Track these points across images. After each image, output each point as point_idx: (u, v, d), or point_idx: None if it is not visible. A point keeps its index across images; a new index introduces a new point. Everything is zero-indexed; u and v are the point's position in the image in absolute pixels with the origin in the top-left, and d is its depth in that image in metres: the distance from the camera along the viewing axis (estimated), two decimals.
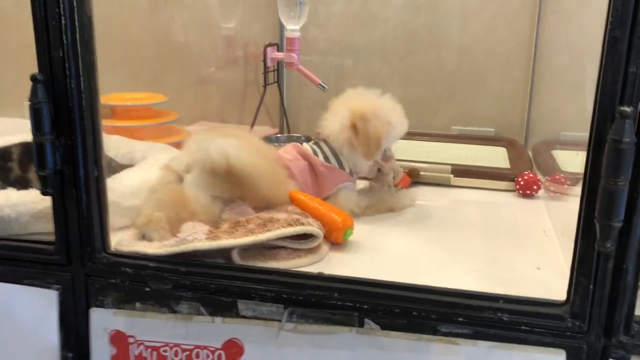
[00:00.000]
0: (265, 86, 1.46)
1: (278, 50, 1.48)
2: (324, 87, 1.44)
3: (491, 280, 0.81)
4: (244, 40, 1.61)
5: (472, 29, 1.56)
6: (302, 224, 0.85)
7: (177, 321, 0.80)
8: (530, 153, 1.44)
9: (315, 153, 1.05)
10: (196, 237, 0.81)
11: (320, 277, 0.77)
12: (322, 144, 1.06)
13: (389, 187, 1.13)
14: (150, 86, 1.55)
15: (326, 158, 1.04)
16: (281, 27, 1.56)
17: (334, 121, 1.05)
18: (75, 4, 0.73)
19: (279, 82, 1.55)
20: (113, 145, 1.22)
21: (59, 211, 0.80)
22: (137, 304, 0.82)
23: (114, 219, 0.91)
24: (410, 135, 1.47)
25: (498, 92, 1.58)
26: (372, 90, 1.08)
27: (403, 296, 0.73)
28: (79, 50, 0.74)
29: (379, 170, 1.11)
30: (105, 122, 1.36)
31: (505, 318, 0.70)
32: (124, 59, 1.63)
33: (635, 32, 0.59)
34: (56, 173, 0.78)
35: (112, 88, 1.46)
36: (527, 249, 0.92)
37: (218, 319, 0.79)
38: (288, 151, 1.06)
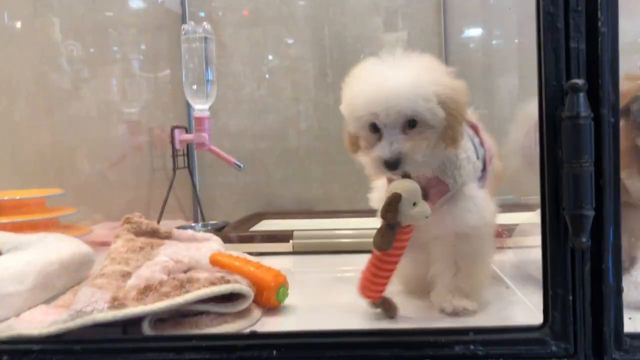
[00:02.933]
0: (174, 170, 1.35)
1: (186, 133, 1.39)
2: (240, 166, 1.36)
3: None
4: (148, 125, 1.51)
5: None
6: (228, 281, 0.72)
7: None
8: None
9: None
10: (96, 307, 0.66)
11: (253, 335, 0.63)
12: None
13: None
14: (46, 184, 1.40)
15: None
16: (189, 110, 1.49)
17: None
18: None
19: (189, 167, 1.45)
20: None
21: None
22: None
23: None
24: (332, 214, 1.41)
25: None
26: None
27: (357, 343, 0.60)
28: None
29: None
30: None
31: (479, 352, 0.59)
32: (14, 160, 1.48)
33: (569, 6, 0.55)
34: None
35: (4, 189, 1.30)
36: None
37: None
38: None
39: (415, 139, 0.67)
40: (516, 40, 1.50)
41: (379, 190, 0.77)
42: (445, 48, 1.56)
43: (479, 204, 0.73)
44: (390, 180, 0.71)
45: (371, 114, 0.66)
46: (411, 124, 0.66)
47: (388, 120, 0.66)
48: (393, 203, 0.65)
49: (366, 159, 0.69)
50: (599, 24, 0.55)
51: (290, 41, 1.58)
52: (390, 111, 0.65)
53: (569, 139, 0.54)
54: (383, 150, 0.66)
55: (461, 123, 0.68)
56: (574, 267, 0.57)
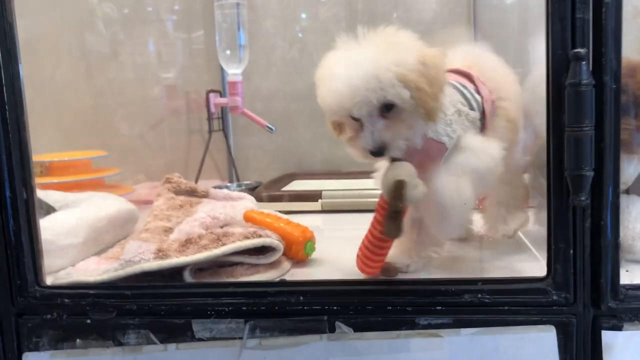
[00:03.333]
0: (210, 132, 1.42)
1: (221, 97, 1.45)
2: (271, 129, 1.42)
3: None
4: (184, 89, 1.58)
5: None
6: (260, 236, 0.79)
7: (125, 355, 0.71)
8: None
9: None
10: (143, 258, 0.74)
11: (282, 283, 0.70)
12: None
13: None
14: (90, 146, 1.48)
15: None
16: (222, 74, 1.54)
17: None
18: None
19: (224, 129, 1.52)
20: (46, 199, 1.13)
21: None
22: (78, 341, 0.72)
23: (50, 260, 0.82)
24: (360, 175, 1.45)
25: None
26: None
27: (374, 290, 0.67)
28: None
29: None
30: (40, 180, 1.27)
31: (487, 300, 0.65)
32: (59, 122, 1.57)
33: None
34: None
35: (48, 150, 1.39)
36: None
37: (171, 346, 0.70)
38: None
39: (394, 123, 0.68)
40: None
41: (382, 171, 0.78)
42: (474, 6, 1.56)
43: (478, 152, 0.73)
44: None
45: (344, 109, 0.68)
46: (387, 107, 0.67)
47: (361, 112, 0.67)
48: (401, 190, 0.67)
49: (352, 150, 0.72)
50: None
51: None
52: (359, 104, 0.66)
53: (571, 104, 0.58)
54: (366, 140, 0.68)
55: (435, 97, 0.68)
56: (575, 223, 0.62)
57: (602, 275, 0.62)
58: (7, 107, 0.69)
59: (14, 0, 0.70)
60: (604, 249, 0.61)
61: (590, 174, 0.59)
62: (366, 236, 0.74)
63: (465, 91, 0.77)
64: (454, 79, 0.78)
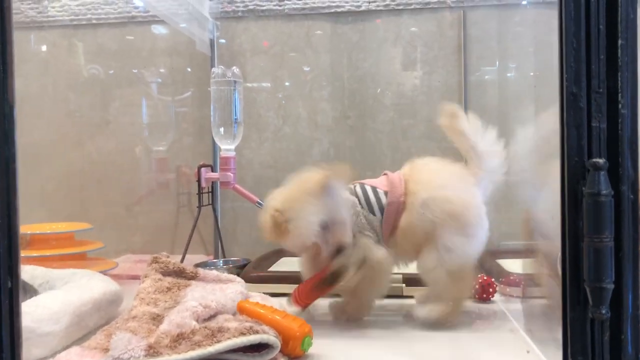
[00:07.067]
0: (199, 207, 1.39)
1: (212, 171, 1.43)
2: (261, 205, 1.39)
3: None
4: (175, 163, 1.56)
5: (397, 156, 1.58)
6: (257, 331, 0.75)
7: None
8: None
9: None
10: (133, 355, 0.69)
11: None
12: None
13: None
14: (72, 215, 1.44)
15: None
16: (214, 148, 1.53)
17: None
18: None
19: (213, 204, 1.49)
20: (26, 276, 1.07)
21: None
22: None
23: (28, 349, 0.77)
24: None
25: None
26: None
27: None
28: None
29: None
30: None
31: None
32: (42, 190, 1.53)
33: (592, 88, 0.59)
34: None
35: (28, 219, 1.35)
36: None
37: None
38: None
39: None
40: (531, 73, 1.52)
41: None
42: (465, 83, 1.59)
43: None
44: None
45: None
46: None
47: None
48: None
49: None
50: (620, 106, 0.58)
51: (314, 91, 1.63)
52: None
53: (590, 215, 0.57)
54: None
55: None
56: (594, 336, 0.59)
57: None
58: None
59: (14, 81, 0.68)
60: None
61: (611, 286, 0.57)
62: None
63: (370, 196, 0.99)
64: (381, 184, 1.00)
